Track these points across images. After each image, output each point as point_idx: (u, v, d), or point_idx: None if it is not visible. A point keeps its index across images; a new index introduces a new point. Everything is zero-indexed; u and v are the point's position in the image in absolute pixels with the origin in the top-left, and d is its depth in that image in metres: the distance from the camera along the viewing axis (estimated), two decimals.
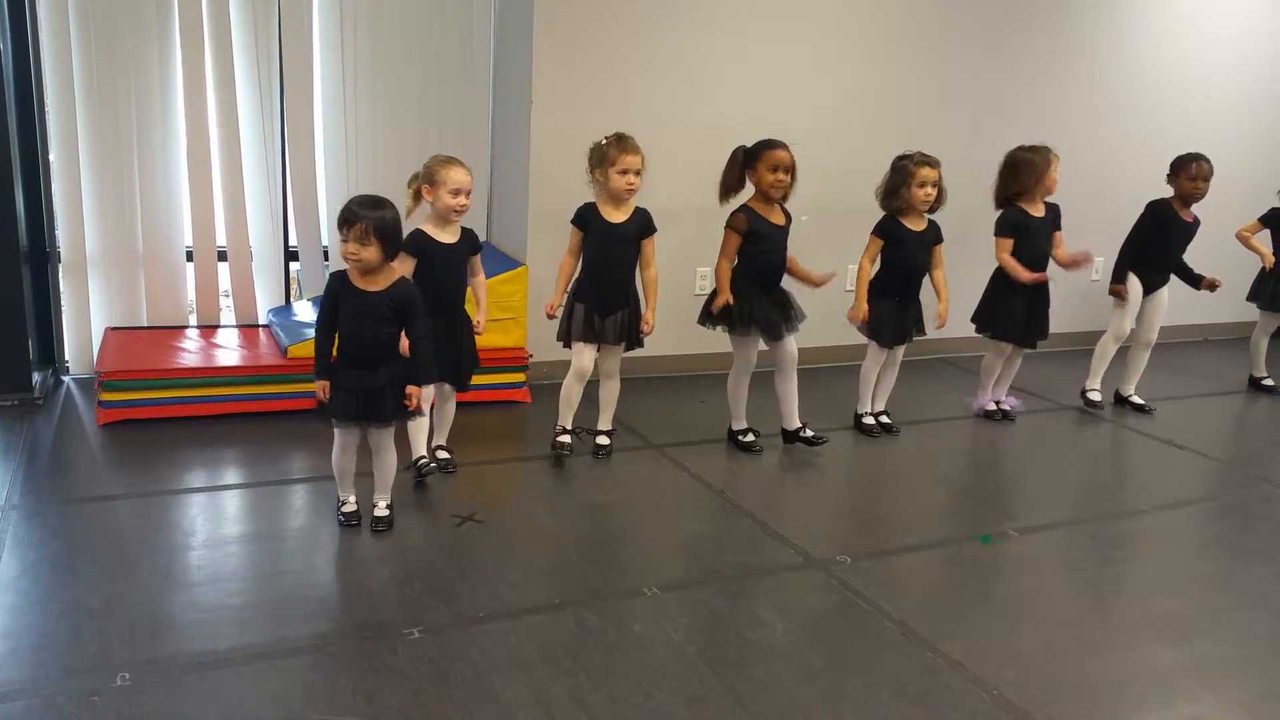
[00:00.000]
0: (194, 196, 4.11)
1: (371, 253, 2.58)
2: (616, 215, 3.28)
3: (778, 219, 3.47)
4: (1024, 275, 3.81)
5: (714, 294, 3.50)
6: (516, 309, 4.00)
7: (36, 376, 3.80)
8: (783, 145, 3.37)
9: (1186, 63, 5.47)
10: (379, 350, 2.68)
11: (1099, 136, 5.26)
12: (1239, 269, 4.83)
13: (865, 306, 3.72)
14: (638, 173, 3.23)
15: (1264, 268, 4.68)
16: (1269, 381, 4.88)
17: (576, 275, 3.37)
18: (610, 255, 3.29)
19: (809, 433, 3.68)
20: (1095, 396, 4.44)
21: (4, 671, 2.10)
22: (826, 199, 4.39)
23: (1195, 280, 4.32)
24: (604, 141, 3.23)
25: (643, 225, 3.32)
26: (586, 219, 3.28)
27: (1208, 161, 4.13)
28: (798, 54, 4.50)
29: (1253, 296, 4.79)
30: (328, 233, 4.37)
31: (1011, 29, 4.97)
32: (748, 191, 3.48)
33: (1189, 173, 4.12)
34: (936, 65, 4.82)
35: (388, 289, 2.66)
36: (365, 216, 2.55)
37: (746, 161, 3.41)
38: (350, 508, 2.87)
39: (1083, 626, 2.57)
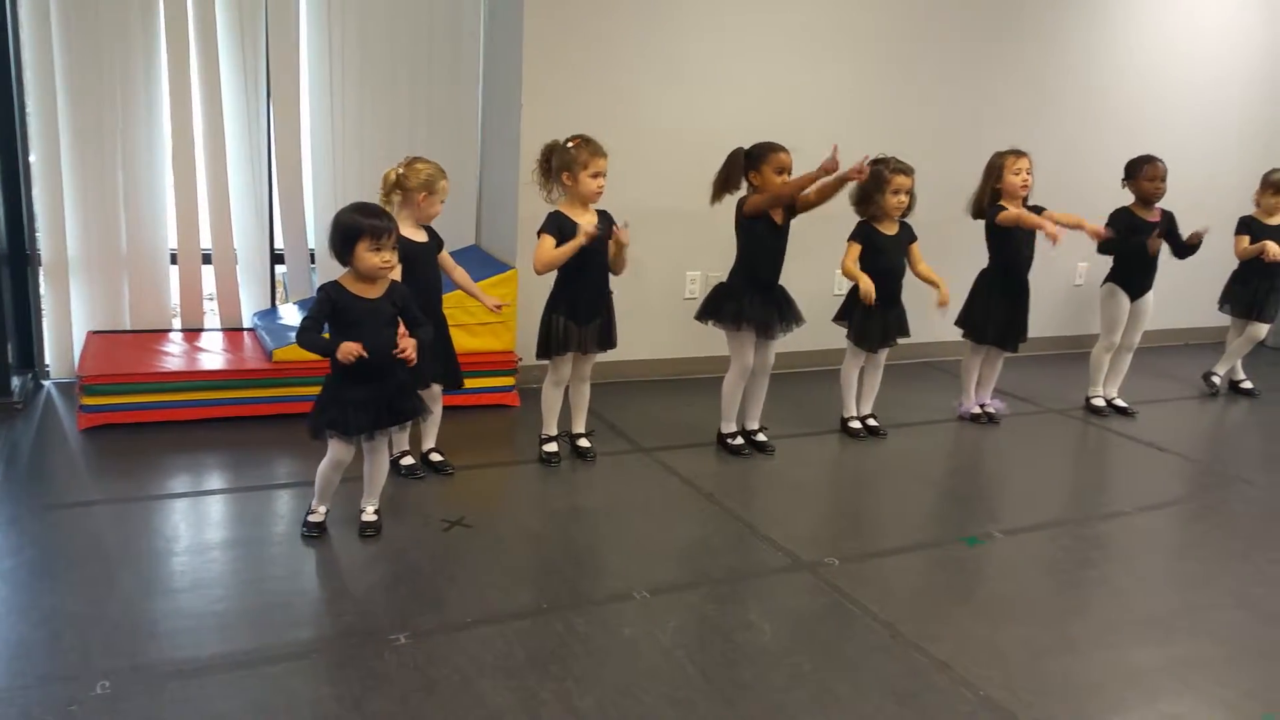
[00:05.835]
0: (178, 198, 4.08)
1: (397, 257, 2.63)
2: (585, 218, 3.26)
3: (778, 217, 3.48)
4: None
5: (716, 290, 3.54)
6: (506, 312, 3.98)
7: (16, 381, 3.76)
8: (785, 149, 3.40)
9: (1177, 68, 5.52)
10: (387, 356, 2.64)
11: (1087, 142, 5.29)
12: (1212, 275, 4.87)
13: (868, 282, 3.61)
14: (605, 174, 3.24)
15: (1235, 271, 4.70)
16: (1247, 384, 4.93)
17: (553, 287, 3.34)
18: (587, 261, 3.25)
19: (763, 437, 3.74)
20: (1098, 403, 4.47)
21: None
22: None
23: (1183, 249, 4.26)
24: (570, 145, 3.21)
25: (608, 224, 3.29)
26: (562, 226, 3.22)
27: (1162, 161, 4.15)
28: (788, 57, 4.51)
29: (1223, 302, 4.79)
30: (314, 236, 4.35)
31: (1001, 34, 5.00)
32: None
33: (1146, 174, 4.14)
34: (925, 70, 4.84)
35: (388, 292, 2.66)
36: (392, 225, 2.59)
37: (750, 164, 3.42)
38: (318, 519, 2.82)
39: (1066, 627, 2.59)
